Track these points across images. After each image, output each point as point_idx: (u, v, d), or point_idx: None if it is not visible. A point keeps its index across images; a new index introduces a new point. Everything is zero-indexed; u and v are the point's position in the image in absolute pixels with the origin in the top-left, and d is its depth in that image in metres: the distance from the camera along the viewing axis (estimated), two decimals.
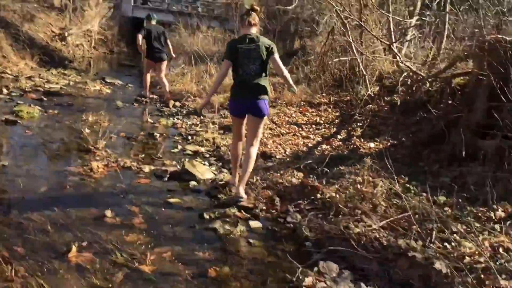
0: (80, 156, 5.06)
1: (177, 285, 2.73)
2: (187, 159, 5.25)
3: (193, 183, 4.56)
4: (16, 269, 2.67)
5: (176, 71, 11.93)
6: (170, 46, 9.33)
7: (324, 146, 5.88)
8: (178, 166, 4.98)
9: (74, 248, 2.94)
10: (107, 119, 6.86)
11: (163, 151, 5.68)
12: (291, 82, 4.25)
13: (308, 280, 2.80)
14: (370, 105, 7.25)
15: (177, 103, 8.94)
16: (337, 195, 4.07)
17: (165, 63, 9.18)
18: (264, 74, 4.11)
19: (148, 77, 9.42)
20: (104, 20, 20.49)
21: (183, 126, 7.18)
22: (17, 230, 3.16)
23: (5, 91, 8.12)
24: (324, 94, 8.57)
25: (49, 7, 18.43)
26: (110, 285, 2.63)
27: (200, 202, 4.14)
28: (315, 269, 3.00)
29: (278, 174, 4.77)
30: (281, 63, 4.15)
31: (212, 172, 4.92)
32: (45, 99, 7.97)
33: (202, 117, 7.74)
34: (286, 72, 4.26)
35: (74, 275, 2.70)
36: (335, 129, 6.74)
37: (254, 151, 4.29)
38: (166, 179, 4.64)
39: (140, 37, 8.65)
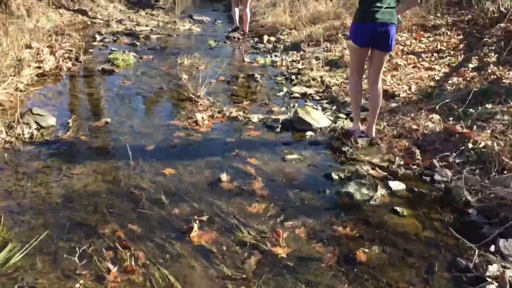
0: (182, 106, 4.65)
1: (323, 275, 2.22)
2: (297, 105, 4.64)
3: (309, 133, 3.97)
4: (135, 254, 2.31)
5: (265, 1, 11.10)
6: None
7: (455, 79, 4.94)
8: (289, 113, 4.39)
9: (195, 226, 2.52)
10: (202, 62, 6.39)
11: (268, 95, 5.12)
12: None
13: (493, 269, 2.15)
14: (502, 24, 6.03)
15: (272, 38, 8.24)
16: (496, 144, 3.26)
17: None
18: None
19: (237, 10, 8.82)
20: None
21: (283, 64, 6.52)
22: (129, 202, 2.81)
23: (98, 37, 7.94)
24: (439, 15, 7.38)
25: None
26: (244, 275, 2.19)
27: (322, 158, 3.56)
28: (492, 247, 2.34)
29: (409, 118, 4.02)
30: None
31: (328, 119, 4.28)
32: (137, 43, 7.67)
33: (302, 52, 7.00)
34: None
35: (200, 261, 2.29)
36: (462, 56, 5.69)
37: (380, 88, 3.69)
38: (278, 129, 4.09)
39: None
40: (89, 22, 9.55)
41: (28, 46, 5.75)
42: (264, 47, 7.71)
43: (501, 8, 6.28)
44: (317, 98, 5.01)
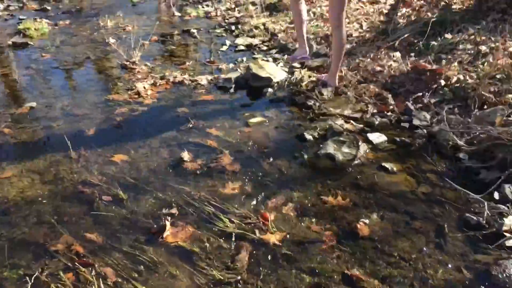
0: (117, 76, 4.09)
1: (326, 259, 1.93)
2: (245, 59, 4.22)
3: (268, 90, 3.59)
4: (102, 272, 1.90)
5: None
6: None
7: (404, 10, 4.68)
8: (239, 70, 3.97)
9: (167, 224, 2.13)
10: (128, 22, 5.73)
11: (211, 51, 4.64)
12: None
13: (509, 222, 1.96)
14: None
15: None
16: (468, 77, 3.06)
17: None
18: None
19: None
20: None
21: (218, 14, 5.99)
22: (80, 204, 2.34)
23: (0, 6, 6.90)
24: None
25: None
26: (238, 277, 1.86)
27: (289, 116, 3.21)
28: (496, 195, 2.16)
29: (370, 60, 3.74)
30: None
31: (283, 70, 3.91)
32: (48, 8, 6.76)
33: None
34: None
35: (182, 267, 1.92)
36: None
37: (344, 31, 3.31)
38: (232, 90, 3.68)
39: None
40: None
41: None
42: None
43: None
44: (265, 48, 4.61)
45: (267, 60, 4.10)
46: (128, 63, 4.29)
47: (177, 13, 6.11)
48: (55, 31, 5.57)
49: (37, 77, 4.15)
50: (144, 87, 3.77)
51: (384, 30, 4.24)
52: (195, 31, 5.25)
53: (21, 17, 6.18)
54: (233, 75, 3.87)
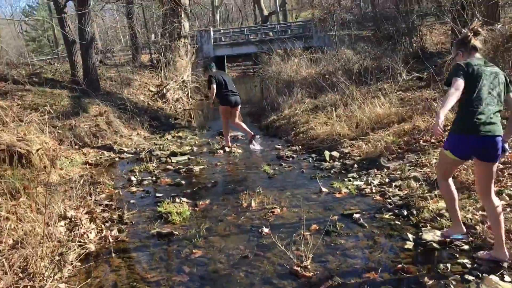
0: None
1: None
2: (472, 278, 3.23)
3: None
4: None
5: (301, 107, 10.17)
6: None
7: None
8: None
9: None
10: (272, 200, 5.18)
11: (394, 249, 3.78)
12: None
13: None
14: None
15: (334, 153, 7.08)
16: None
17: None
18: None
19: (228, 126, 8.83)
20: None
21: (373, 190, 5.25)
22: None
23: (133, 179, 6.78)
24: None
25: (141, 66, 17.86)
26: None
27: None
28: None
29: None
30: None
31: None
32: (182, 182, 6.48)
33: (385, 170, 5.79)
34: None
35: None
36: None
37: (496, 200, 3.38)
38: None
39: (214, 86, 8.32)
40: (116, 159, 8.49)
41: (63, 217, 4.54)
42: (330, 167, 6.50)
43: None
44: (466, 248, 3.65)
45: (502, 277, 3.09)
46: (299, 268, 3.52)
47: (324, 189, 5.47)
48: (196, 214, 5.09)
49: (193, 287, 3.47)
50: None
51: None
52: (358, 215, 4.49)
53: (158, 194, 5.89)
54: None
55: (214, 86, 8.28)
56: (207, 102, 16.78)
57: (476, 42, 3.42)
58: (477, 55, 3.43)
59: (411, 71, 10.16)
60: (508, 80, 3.35)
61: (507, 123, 3.42)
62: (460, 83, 3.17)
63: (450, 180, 3.62)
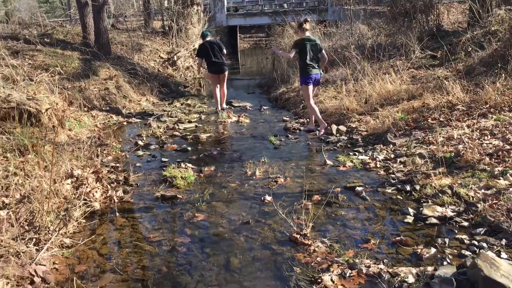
0: (290, 256, 3.34)
1: None
2: (468, 253, 3.24)
3: None
4: None
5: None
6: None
7: None
8: (448, 260, 3.05)
9: None
10: (276, 170, 5.21)
11: (393, 222, 3.82)
12: None
13: None
14: None
15: (342, 127, 7.08)
16: None
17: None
18: None
19: (217, 90, 9.42)
20: None
21: (378, 165, 5.26)
22: None
23: (140, 143, 6.84)
24: None
25: (152, 32, 17.72)
26: None
27: None
28: None
29: None
30: None
31: None
32: (188, 148, 6.53)
33: (391, 146, 5.78)
34: None
35: None
36: None
37: None
38: None
39: (197, 58, 9.76)
40: (125, 123, 8.55)
41: (70, 175, 4.61)
42: (337, 141, 6.51)
43: None
44: (465, 224, 3.68)
45: (498, 254, 3.12)
46: (298, 236, 3.57)
47: (329, 162, 5.49)
48: (201, 180, 5.15)
49: (194, 249, 3.54)
50: (332, 279, 2.97)
51: None
52: (360, 188, 4.51)
53: (163, 159, 5.95)
54: (446, 270, 2.95)
55: (197, 58, 9.77)
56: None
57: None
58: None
59: (425, 49, 9.98)
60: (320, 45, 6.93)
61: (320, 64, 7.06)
62: None
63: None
